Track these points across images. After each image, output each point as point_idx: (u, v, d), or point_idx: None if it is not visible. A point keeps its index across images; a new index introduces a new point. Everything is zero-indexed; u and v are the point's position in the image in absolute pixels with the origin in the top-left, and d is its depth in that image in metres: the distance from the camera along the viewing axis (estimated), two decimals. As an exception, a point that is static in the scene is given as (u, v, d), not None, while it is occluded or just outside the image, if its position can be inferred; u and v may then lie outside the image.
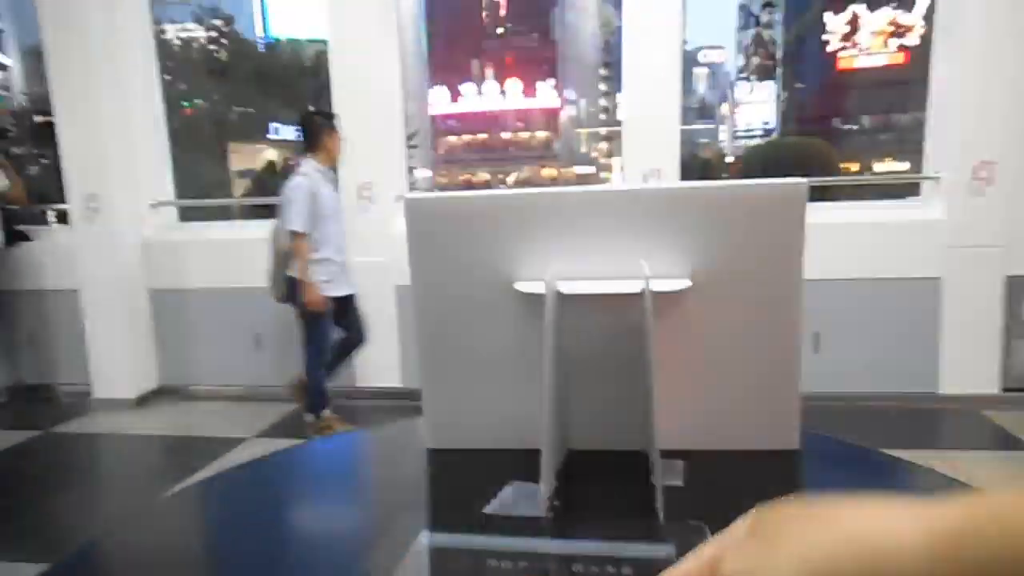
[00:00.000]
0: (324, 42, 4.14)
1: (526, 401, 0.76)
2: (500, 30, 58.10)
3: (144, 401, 4.25)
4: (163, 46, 5.07)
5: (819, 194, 5.48)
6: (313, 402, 3.43)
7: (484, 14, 57.78)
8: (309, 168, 3.28)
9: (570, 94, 59.28)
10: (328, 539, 0.76)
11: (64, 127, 4.07)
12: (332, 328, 3.44)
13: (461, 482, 0.84)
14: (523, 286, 0.78)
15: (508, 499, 0.76)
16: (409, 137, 4.56)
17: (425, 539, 0.70)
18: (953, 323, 3.63)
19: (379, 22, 3.95)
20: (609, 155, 57.61)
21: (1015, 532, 0.26)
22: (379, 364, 3.85)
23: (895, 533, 0.29)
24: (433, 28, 58.74)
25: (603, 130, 60.96)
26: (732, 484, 0.79)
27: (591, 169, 58.71)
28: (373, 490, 0.93)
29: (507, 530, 0.70)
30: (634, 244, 0.77)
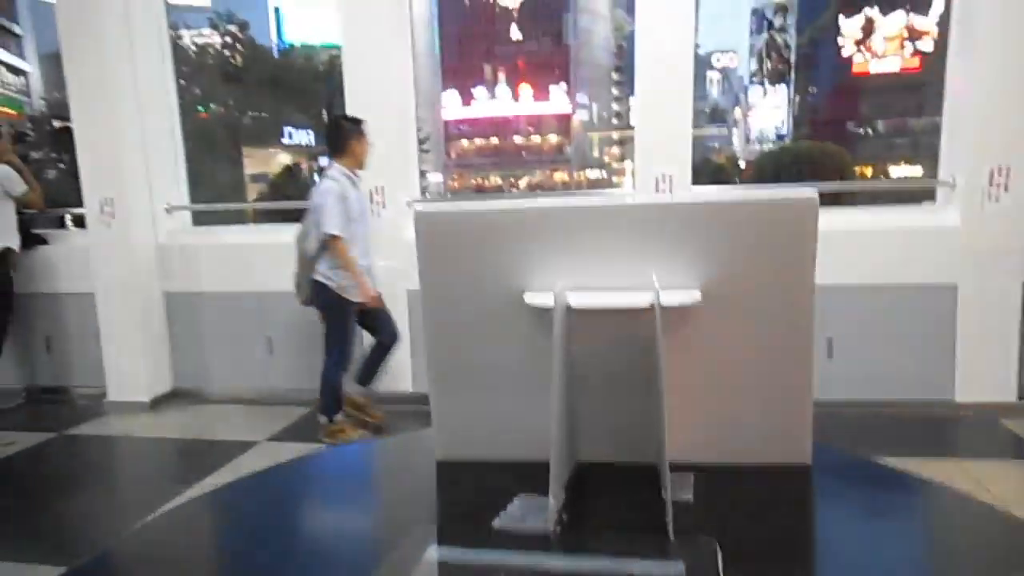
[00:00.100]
0: (338, 47, 4.17)
1: (535, 413, 0.75)
2: (513, 35, 58.22)
3: (158, 404, 4.29)
4: (178, 51, 5.13)
5: (833, 199, 5.43)
6: (327, 405, 3.45)
7: (496, 18, 57.93)
8: (336, 172, 3.34)
9: (582, 98, 59.28)
10: (336, 552, 0.76)
11: (81, 132, 4.12)
12: (355, 332, 3.46)
13: (470, 495, 0.84)
14: (533, 298, 0.78)
15: (517, 512, 0.75)
16: (421, 141, 4.58)
17: (433, 553, 0.70)
18: (969, 330, 3.59)
19: (392, 27, 3.97)
20: (621, 159, 57.57)
21: None
22: (390, 368, 3.85)
23: None
24: (445, 32, 59.03)
25: (615, 134, 60.94)
26: (743, 499, 0.79)
27: (603, 173, 58.69)
28: (382, 502, 0.93)
29: (515, 545, 0.69)
30: (644, 257, 0.76)
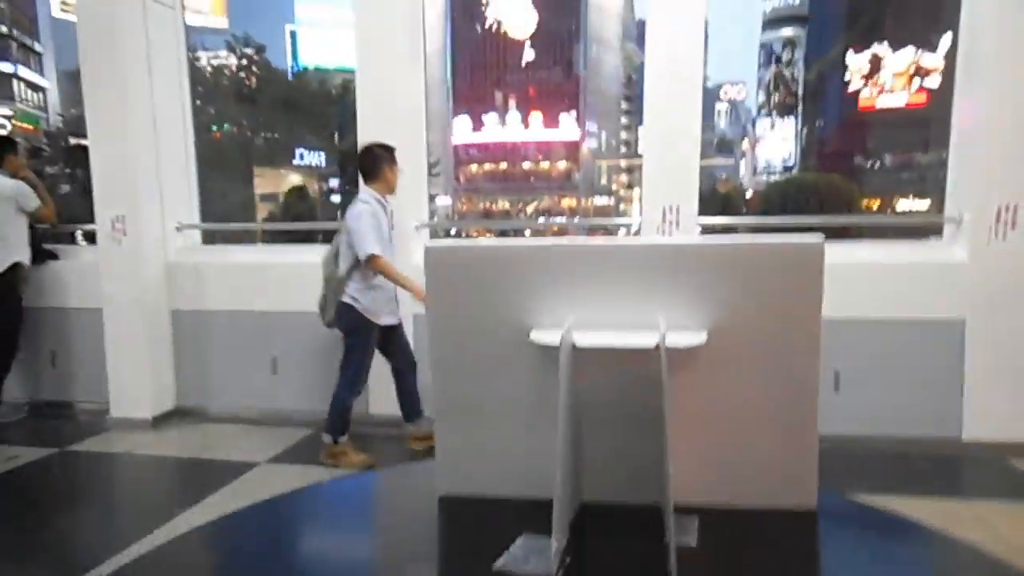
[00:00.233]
0: (351, 71, 4.23)
1: (540, 450, 0.75)
2: (524, 63, 59.05)
3: (160, 421, 4.28)
4: (195, 72, 5.22)
5: (840, 232, 5.42)
6: (334, 425, 3.45)
7: (508, 47, 58.82)
8: (368, 196, 3.41)
9: (591, 127, 59.85)
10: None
11: (96, 148, 4.18)
12: (373, 357, 3.47)
13: (472, 533, 0.83)
14: (539, 336, 0.78)
15: (519, 554, 0.74)
16: (431, 166, 4.62)
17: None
18: (977, 367, 3.56)
19: (405, 53, 4.03)
20: (629, 187, 57.97)
21: None
22: (393, 392, 3.84)
23: None
24: (458, 59, 59.92)
25: (623, 163, 61.34)
26: (747, 545, 0.78)
27: (611, 201, 59.01)
28: (382, 538, 0.92)
29: (517, 586, 0.69)
30: (651, 297, 0.76)
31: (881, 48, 43.50)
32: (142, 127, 4.20)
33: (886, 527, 0.87)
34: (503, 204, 58.98)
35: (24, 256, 4.15)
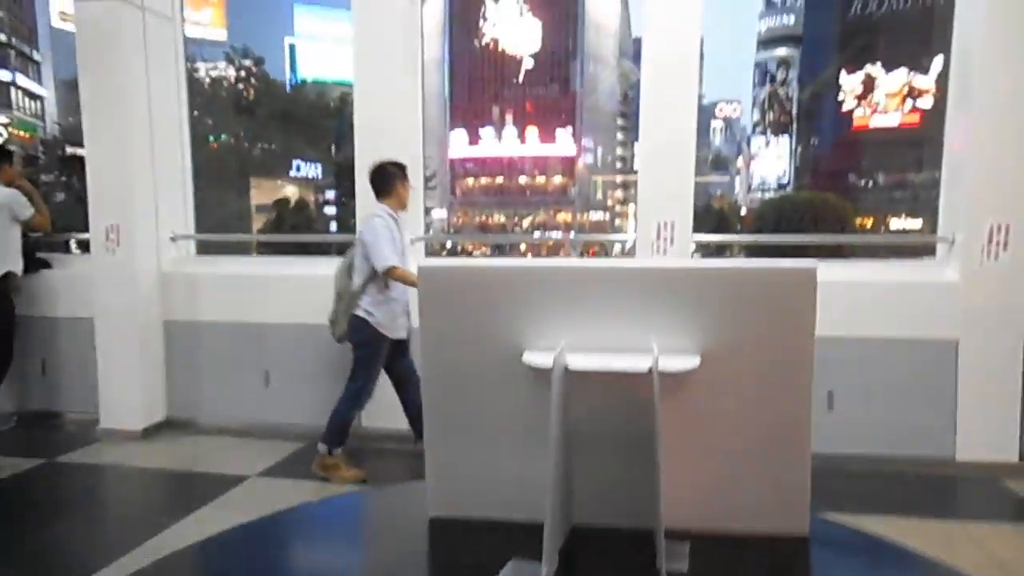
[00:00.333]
0: (349, 84, 4.25)
1: (531, 473, 0.74)
2: (521, 79, 59.51)
3: (150, 433, 4.24)
4: (193, 83, 5.23)
5: (833, 250, 5.44)
6: (331, 436, 3.43)
7: (506, 63, 59.29)
8: (382, 211, 3.44)
9: (587, 142, 60.24)
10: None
11: (92, 158, 4.17)
12: (380, 372, 3.48)
13: (461, 557, 0.82)
14: (532, 358, 0.78)
15: (509, 578, 0.73)
16: (427, 179, 4.63)
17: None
18: (970, 387, 3.56)
19: (403, 67, 4.05)
20: (624, 202, 58.29)
21: None
22: (386, 406, 3.82)
23: None
24: (456, 74, 60.37)
25: (618, 178, 61.68)
26: (737, 572, 0.77)
27: (606, 216, 59.29)
28: (372, 561, 0.91)
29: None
30: (644, 321, 0.76)
31: (874, 69, 44.07)
32: (139, 137, 4.20)
33: (879, 553, 0.87)
34: (499, 218, 59.19)
35: (16, 266, 4.13)
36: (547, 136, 58.51)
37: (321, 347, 4.17)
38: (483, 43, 57.79)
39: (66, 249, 5.15)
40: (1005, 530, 2.99)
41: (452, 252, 9.98)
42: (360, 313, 3.38)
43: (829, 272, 3.80)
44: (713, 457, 0.81)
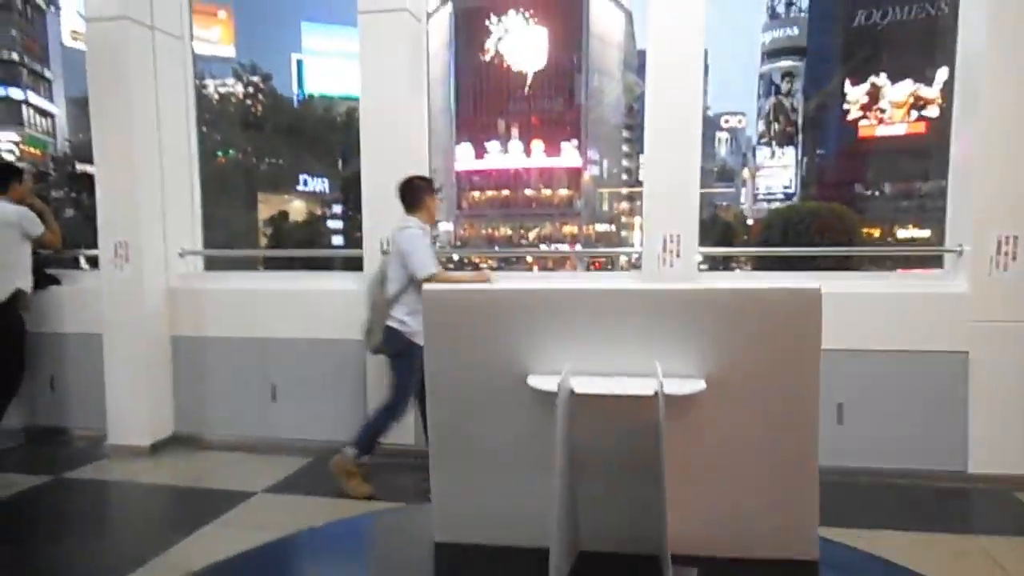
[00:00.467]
0: (355, 99, 4.28)
1: (537, 497, 0.74)
2: (526, 93, 59.80)
3: (158, 448, 4.24)
4: (201, 99, 5.28)
5: (841, 260, 5.41)
6: (362, 441, 3.43)
7: (511, 77, 59.62)
8: (414, 222, 3.49)
9: (593, 155, 60.40)
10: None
11: (102, 175, 4.21)
12: (417, 383, 3.45)
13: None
14: (536, 382, 0.78)
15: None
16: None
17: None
18: (981, 399, 3.53)
19: (408, 81, 4.08)
20: (630, 214, 58.33)
21: None
22: (402, 423, 3.81)
23: None
24: (461, 88, 60.74)
25: (624, 190, 61.77)
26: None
27: (612, 227, 59.31)
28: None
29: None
30: (649, 344, 0.76)
31: (879, 79, 44.10)
32: (148, 154, 4.24)
33: (889, 578, 0.85)
34: (505, 230, 59.29)
35: (26, 283, 4.16)
36: (553, 149, 58.72)
37: (328, 362, 4.18)
38: (488, 58, 58.22)
39: (75, 265, 5.19)
40: (1019, 544, 2.95)
41: (459, 265, 9.99)
42: (393, 324, 3.40)
43: (837, 284, 3.79)
44: (720, 481, 0.80)
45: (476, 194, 60.47)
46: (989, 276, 3.48)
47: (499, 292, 0.82)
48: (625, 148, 62.32)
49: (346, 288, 4.15)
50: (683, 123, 3.74)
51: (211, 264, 4.77)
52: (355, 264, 4.21)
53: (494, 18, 58.03)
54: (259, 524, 3.16)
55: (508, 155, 59.08)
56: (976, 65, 3.54)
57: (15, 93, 39.86)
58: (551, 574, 0.68)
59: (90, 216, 4.37)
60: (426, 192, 3.58)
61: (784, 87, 55.21)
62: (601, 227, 58.78)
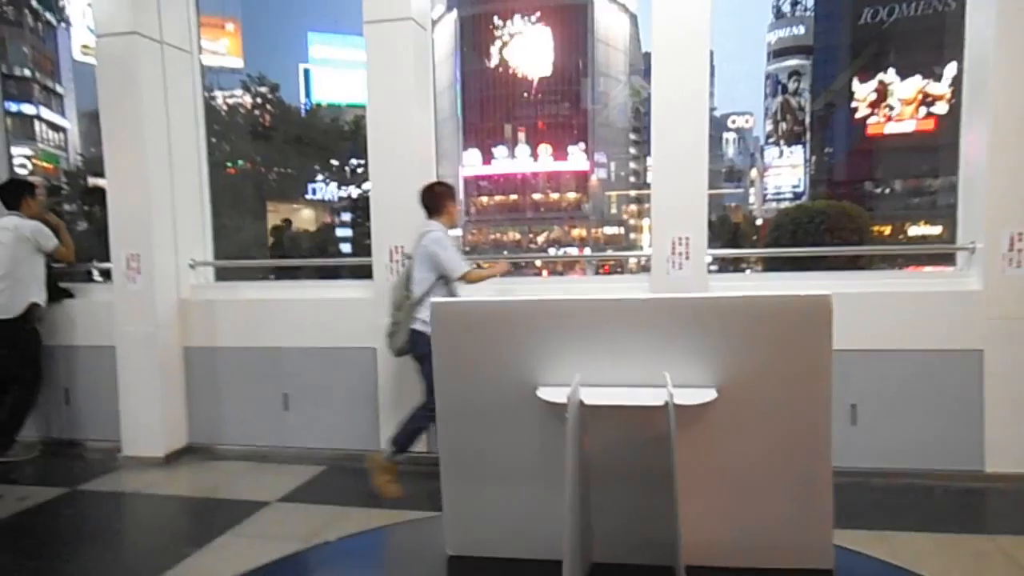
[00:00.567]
0: (363, 106, 4.30)
1: (549, 509, 0.74)
2: (533, 97, 59.92)
3: (172, 459, 4.27)
4: (210, 111, 5.33)
5: (852, 259, 5.37)
6: (401, 439, 3.48)
7: (517, 82, 59.73)
8: (437, 225, 3.56)
9: (600, 158, 60.36)
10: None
11: (113, 188, 4.25)
12: None
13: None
14: (546, 393, 0.78)
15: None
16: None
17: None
18: (996, 398, 3.49)
19: (415, 88, 4.09)
20: (639, 216, 58.24)
21: None
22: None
23: None
24: (468, 94, 60.93)
25: (632, 192, 61.67)
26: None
27: (620, 230, 59.23)
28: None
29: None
30: (659, 353, 0.76)
31: (887, 76, 43.83)
32: (158, 167, 4.28)
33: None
34: (514, 235, 59.35)
35: (40, 297, 4.21)
36: (560, 153, 58.76)
37: (340, 370, 4.20)
38: (494, 64, 58.39)
39: (88, 278, 5.24)
40: (1039, 544, 2.91)
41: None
42: (418, 327, 3.44)
43: (848, 284, 3.76)
44: (732, 491, 0.79)
45: (484, 199, 60.58)
46: (1003, 272, 3.45)
47: (507, 304, 0.82)
48: (632, 151, 62.26)
49: (356, 296, 4.17)
50: (690, 125, 3.73)
51: (221, 274, 4.81)
52: (364, 272, 4.23)
53: (499, 24, 58.20)
54: (274, 534, 3.17)
55: (515, 160, 59.17)
56: (985, 60, 3.52)
57: (27, 109, 40.33)
58: None
59: (102, 229, 4.42)
60: (447, 198, 3.66)
61: (791, 86, 54.99)
62: (610, 230, 58.71)
